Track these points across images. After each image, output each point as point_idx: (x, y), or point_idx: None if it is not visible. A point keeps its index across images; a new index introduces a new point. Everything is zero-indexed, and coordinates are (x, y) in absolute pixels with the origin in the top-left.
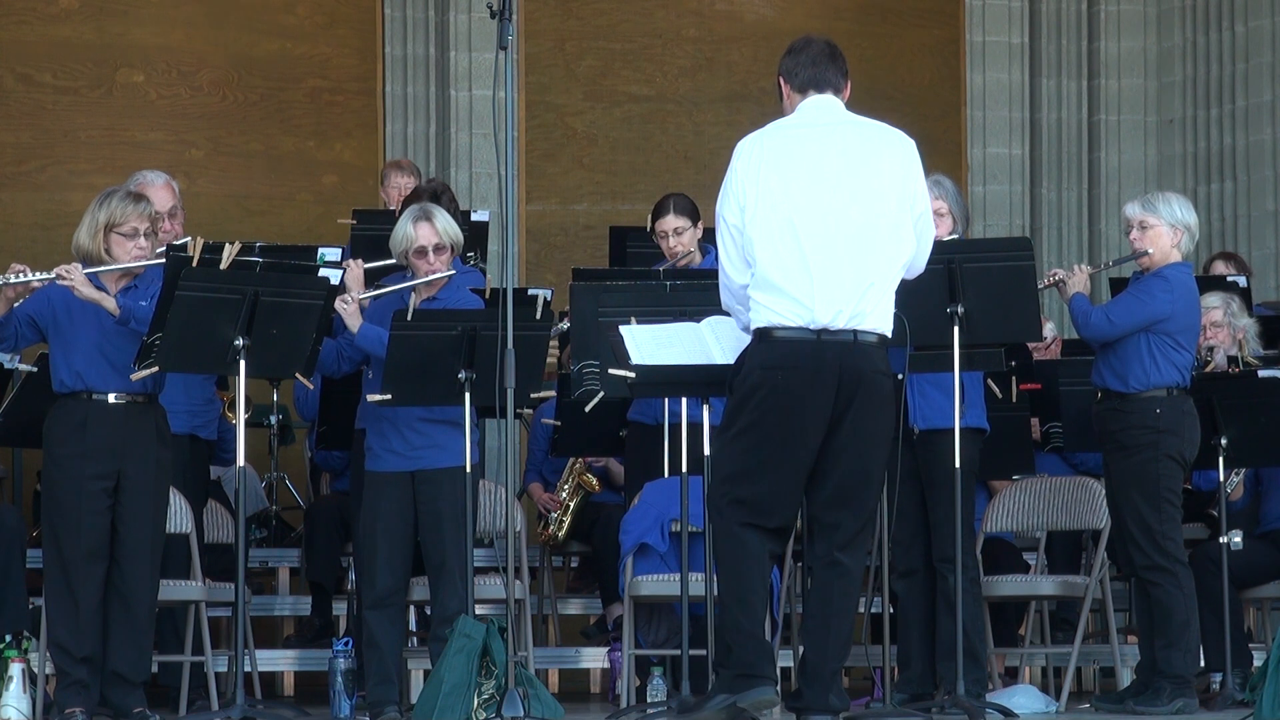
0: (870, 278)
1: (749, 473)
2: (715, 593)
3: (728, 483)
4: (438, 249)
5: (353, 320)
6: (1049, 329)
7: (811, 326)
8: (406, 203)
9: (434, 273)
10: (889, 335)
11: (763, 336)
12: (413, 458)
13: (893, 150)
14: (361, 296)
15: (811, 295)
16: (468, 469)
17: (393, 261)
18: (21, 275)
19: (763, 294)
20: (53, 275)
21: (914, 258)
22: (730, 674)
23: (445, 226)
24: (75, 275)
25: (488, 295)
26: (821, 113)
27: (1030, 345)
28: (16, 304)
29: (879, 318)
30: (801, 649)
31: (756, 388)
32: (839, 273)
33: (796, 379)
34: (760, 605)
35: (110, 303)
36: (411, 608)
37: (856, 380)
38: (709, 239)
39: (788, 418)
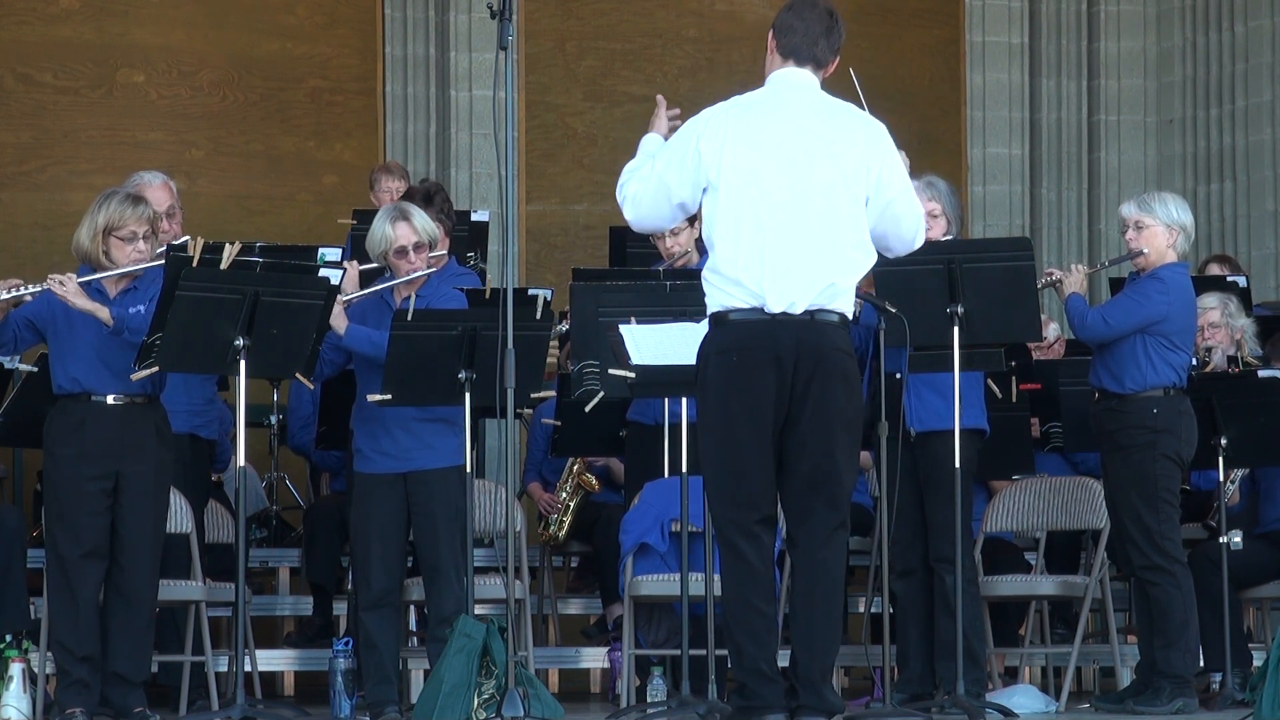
0: (830, 276)
1: (731, 469)
2: (718, 596)
3: (720, 481)
4: (417, 247)
5: (339, 321)
6: (1052, 329)
7: (766, 309)
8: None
9: (414, 271)
10: (849, 317)
11: (718, 321)
12: (404, 459)
13: (863, 139)
14: (344, 299)
15: (765, 287)
16: (469, 468)
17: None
18: (15, 290)
19: (718, 279)
20: (44, 287)
21: (907, 229)
22: (744, 704)
23: (423, 225)
24: (69, 286)
25: (488, 295)
26: (793, 91)
27: (1031, 345)
28: (13, 310)
29: (840, 305)
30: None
31: (715, 377)
32: (796, 269)
33: (751, 358)
34: (767, 628)
35: (104, 313)
36: (412, 608)
37: (816, 357)
38: None
39: (748, 400)
